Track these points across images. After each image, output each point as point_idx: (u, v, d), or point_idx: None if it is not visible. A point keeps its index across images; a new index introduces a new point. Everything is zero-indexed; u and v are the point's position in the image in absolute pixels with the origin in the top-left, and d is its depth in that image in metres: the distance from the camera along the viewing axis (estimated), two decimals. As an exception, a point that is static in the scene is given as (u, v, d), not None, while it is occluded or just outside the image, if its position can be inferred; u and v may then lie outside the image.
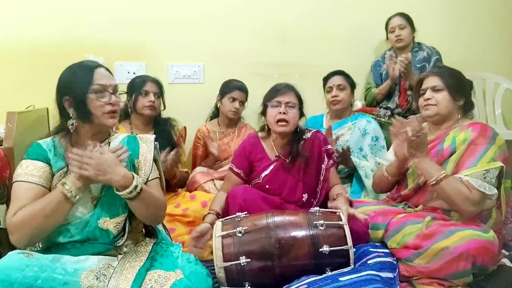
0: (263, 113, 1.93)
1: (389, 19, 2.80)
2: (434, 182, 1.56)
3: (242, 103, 2.58)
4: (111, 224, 1.34)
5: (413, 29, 2.75)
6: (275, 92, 1.88)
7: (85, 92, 1.34)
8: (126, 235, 1.37)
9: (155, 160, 1.50)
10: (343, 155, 2.21)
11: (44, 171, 1.32)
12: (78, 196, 1.26)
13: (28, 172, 1.30)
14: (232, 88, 2.56)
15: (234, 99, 2.55)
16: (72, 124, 1.36)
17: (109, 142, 1.46)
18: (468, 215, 1.56)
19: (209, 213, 1.75)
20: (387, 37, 2.84)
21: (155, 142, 1.52)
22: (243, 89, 2.58)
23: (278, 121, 1.83)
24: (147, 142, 1.51)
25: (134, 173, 1.33)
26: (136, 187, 1.29)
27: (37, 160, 1.33)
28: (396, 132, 1.67)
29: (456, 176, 1.58)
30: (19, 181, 1.30)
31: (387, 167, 1.84)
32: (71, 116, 1.36)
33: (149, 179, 1.45)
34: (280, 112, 1.82)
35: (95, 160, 1.25)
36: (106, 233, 1.33)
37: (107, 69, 1.43)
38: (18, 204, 1.25)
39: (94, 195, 1.36)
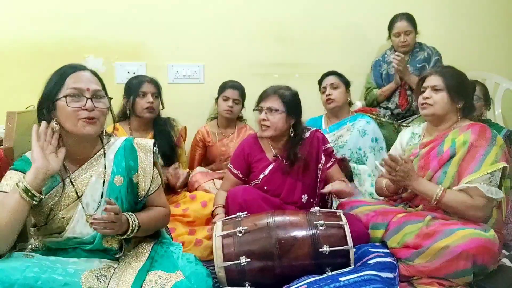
0: None
1: (395, 21, 2.73)
2: (436, 201, 1.59)
3: (237, 102, 2.57)
4: (114, 242, 1.34)
5: (416, 32, 2.74)
6: (260, 97, 1.91)
7: (55, 98, 1.25)
8: (124, 249, 1.35)
9: (154, 163, 1.45)
10: (340, 166, 2.19)
11: None
12: (30, 193, 1.16)
13: (10, 184, 1.23)
14: (225, 88, 2.57)
15: (227, 98, 2.55)
16: (54, 128, 1.27)
17: (104, 153, 1.37)
18: (478, 221, 1.56)
19: (217, 207, 1.82)
20: (389, 36, 2.79)
21: (155, 148, 1.46)
22: (236, 87, 2.57)
23: (261, 126, 1.86)
24: (145, 150, 1.43)
25: (128, 216, 1.30)
26: (133, 230, 1.30)
27: (21, 171, 1.26)
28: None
29: (462, 184, 1.58)
30: (1, 191, 1.23)
31: (387, 185, 1.83)
32: (53, 118, 1.27)
33: (151, 192, 1.42)
34: (261, 118, 1.85)
35: (113, 223, 1.22)
36: (109, 249, 1.34)
37: (94, 73, 1.34)
38: None
39: (90, 214, 1.30)
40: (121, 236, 1.30)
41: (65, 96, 1.25)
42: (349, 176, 2.29)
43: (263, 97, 1.88)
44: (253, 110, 1.92)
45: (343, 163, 2.19)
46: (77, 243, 1.30)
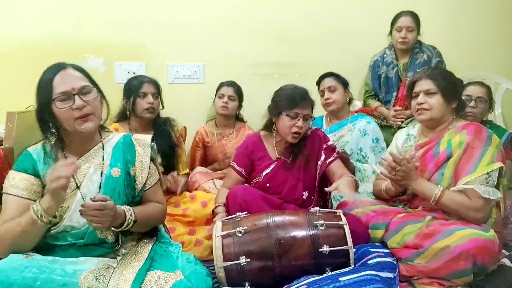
0: (274, 115, 1.88)
1: (399, 16, 2.69)
2: (434, 202, 1.58)
3: (232, 98, 2.58)
4: (108, 233, 1.35)
5: (419, 32, 2.70)
6: (295, 102, 1.81)
7: (49, 104, 1.28)
8: (120, 242, 1.37)
9: (152, 160, 1.48)
10: (341, 159, 2.19)
11: (30, 183, 1.30)
12: (47, 218, 1.21)
13: (13, 184, 1.29)
14: (221, 87, 2.61)
15: (222, 95, 2.58)
16: (53, 134, 1.31)
17: (103, 145, 1.42)
18: (477, 223, 1.54)
19: (218, 205, 1.80)
20: (390, 32, 2.75)
21: (152, 143, 1.49)
22: (231, 84, 2.60)
23: (293, 132, 1.83)
24: (143, 145, 1.47)
25: (125, 209, 1.31)
26: (128, 224, 1.31)
27: (23, 172, 1.31)
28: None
29: (459, 186, 1.57)
30: (5, 193, 1.29)
31: (386, 188, 1.83)
32: (50, 125, 1.31)
33: (147, 187, 1.45)
34: (297, 126, 1.81)
35: (102, 215, 1.22)
36: (104, 241, 1.34)
37: (77, 68, 1.35)
38: (3, 218, 1.26)
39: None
40: (117, 229, 1.31)
41: (53, 100, 1.27)
42: (351, 170, 2.28)
43: (299, 103, 1.81)
44: (286, 114, 1.81)
45: (343, 157, 2.16)
46: (74, 233, 1.31)
